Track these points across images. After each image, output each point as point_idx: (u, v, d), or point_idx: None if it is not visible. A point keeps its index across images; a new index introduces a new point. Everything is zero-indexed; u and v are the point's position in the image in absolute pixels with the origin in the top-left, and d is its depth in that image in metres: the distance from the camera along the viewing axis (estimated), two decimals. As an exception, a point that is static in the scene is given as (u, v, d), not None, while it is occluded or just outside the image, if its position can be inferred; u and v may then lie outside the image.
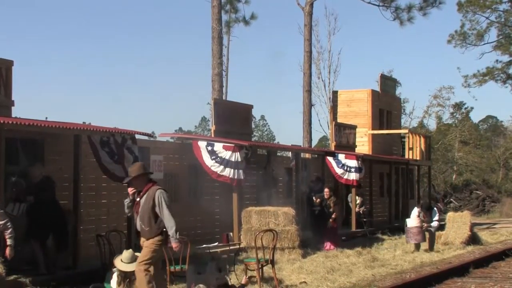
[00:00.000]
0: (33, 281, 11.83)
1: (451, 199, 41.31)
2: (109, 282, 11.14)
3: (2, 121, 11.60)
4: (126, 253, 10.62)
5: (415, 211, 19.66)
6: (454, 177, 51.67)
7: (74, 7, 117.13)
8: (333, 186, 21.73)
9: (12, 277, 11.49)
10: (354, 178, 23.22)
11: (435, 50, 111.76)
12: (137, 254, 10.28)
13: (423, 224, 19.32)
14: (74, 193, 13.70)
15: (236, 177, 17.94)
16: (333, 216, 19.91)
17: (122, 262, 10.52)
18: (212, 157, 17.98)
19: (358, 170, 23.27)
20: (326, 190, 20.28)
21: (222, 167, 17.90)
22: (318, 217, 20.08)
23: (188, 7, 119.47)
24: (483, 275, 14.80)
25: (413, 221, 19.40)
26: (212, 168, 17.97)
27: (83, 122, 15.11)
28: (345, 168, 23.21)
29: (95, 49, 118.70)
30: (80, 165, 13.76)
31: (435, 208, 20.52)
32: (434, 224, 19.83)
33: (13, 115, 13.54)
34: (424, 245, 19.76)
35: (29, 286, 11.59)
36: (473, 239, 21.23)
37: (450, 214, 22.39)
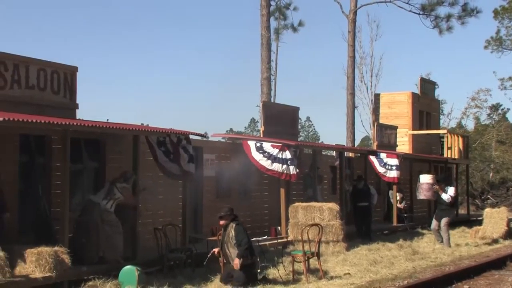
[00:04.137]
0: (94, 271, 11.98)
1: (488, 196, 40.63)
2: None
3: (67, 123, 11.73)
4: None
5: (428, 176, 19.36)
6: (491, 175, 50.81)
7: (131, 13, 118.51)
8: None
9: (74, 266, 11.65)
10: (396, 176, 22.99)
11: (472, 54, 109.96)
12: None
13: (434, 186, 18.68)
14: (133, 190, 13.79)
15: (285, 171, 17.90)
16: None
17: None
18: (260, 152, 18.00)
19: (398, 167, 23.06)
20: None
21: (270, 161, 17.88)
22: None
23: (240, 14, 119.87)
24: (520, 268, 14.53)
25: (425, 177, 19.09)
26: (261, 162, 17.96)
27: (141, 123, 15.23)
28: (387, 166, 22.99)
29: (152, 56, 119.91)
30: (138, 163, 13.85)
31: (452, 187, 19.15)
32: (445, 196, 18.48)
33: (77, 117, 13.70)
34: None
35: (90, 275, 11.73)
36: (509, 234, 20.87)
37: (487, 210, 22.05)
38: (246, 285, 11.83)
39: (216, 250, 12.32)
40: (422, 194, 18.99)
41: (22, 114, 11.44)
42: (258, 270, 12.54)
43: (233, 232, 12.09)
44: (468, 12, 33.77)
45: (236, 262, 11.89)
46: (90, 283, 11.37)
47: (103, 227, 12.83)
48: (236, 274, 11.88)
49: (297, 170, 18.10)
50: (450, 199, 18.60)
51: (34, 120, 10.89)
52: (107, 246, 12.80)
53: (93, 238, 12.64)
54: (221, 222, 12.35)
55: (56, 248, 11.23)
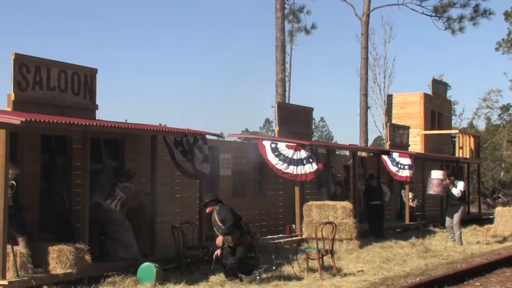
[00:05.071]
0: (113, 267, 12.04)
1: (499, 195, 40.39)
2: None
3: (87, 123, 11.80)
4: None
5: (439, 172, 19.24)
6: (502, 174, 50.54)
7: (147, 15, 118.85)
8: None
9: (94, 263, 11.72)
10: (408, 175, 22.96)
11: (483, 55, 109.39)
12: None
13: (445, 181, 18.58)
14: (151, 188, 13.84)
15: (300, 172, 17.91)
16: None
17: None
18: (275, 154, 18.01)
19: (411, 167, 23.02)
20: None
21: (285, 164, 17.91)
22: None
23: (255, 17, 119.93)
24: (531, 266, 14.43)
25: (436, 173, 19.01)
26: (277, 166, 17.99)
27: (159, 124, 15.27)
28: (399, 166, 22.97)
29: (168, 58, 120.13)
30: (156, 163, 13.89)
31: (461, 182, 19.06)
32: (455, 191, 18.43)
33: (97, 118, 13.75)
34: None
35: (110, 272, 11.79)
36: (520, 232, 20.75)
37: (498, 209, 21.92)
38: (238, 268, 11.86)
39: (218, 252, 12.10)
40: (432, 189, 18.94)
41: (44, 115, 11.51)
42: (261, 271, 12.52)
43: (216, 216, 11.96)
44: (480, 13, 33.62)
45: (219, 239, 11.92)
46: (110, 279, 11.45)
47: (112, 227, 12.86)
48: (229, 261, 11.83)
49: (315, 167, 18.04)
50: (460, 193, 18.49)
51: (55, 121, 10.96)
52: (117, 245, 12.84)
53: (94, 237, 12.67)
54: (207, 211, 12.29)
55: (76, 245, 11.31)
